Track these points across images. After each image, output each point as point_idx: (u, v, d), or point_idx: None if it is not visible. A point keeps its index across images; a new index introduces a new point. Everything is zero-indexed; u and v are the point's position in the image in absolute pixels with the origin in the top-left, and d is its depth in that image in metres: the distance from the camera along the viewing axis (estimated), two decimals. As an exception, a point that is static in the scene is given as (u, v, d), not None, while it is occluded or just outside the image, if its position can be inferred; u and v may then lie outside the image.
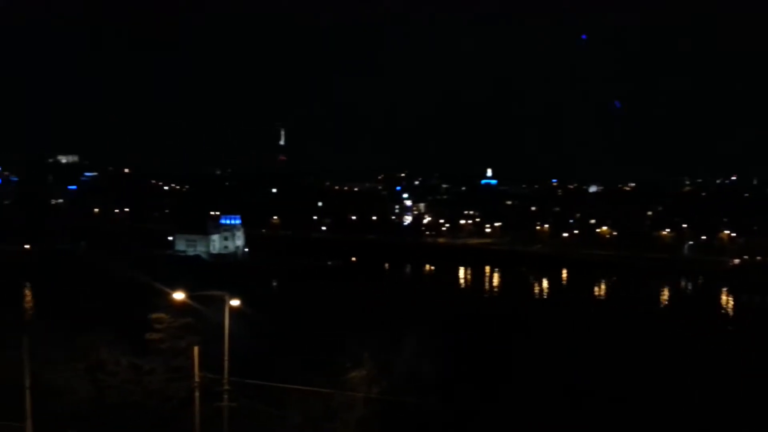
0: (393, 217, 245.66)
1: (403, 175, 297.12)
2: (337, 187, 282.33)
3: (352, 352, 37.25)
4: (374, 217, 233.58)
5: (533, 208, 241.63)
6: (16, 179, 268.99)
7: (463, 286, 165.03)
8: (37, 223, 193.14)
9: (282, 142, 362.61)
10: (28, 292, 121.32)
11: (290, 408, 34.83)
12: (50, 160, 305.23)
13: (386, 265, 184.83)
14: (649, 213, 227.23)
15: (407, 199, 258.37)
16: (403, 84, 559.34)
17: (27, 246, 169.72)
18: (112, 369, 37.54)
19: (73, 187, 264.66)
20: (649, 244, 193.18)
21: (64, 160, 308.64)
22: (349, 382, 36.03)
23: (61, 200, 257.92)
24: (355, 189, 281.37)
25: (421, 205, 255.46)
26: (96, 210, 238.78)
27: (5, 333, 36.26)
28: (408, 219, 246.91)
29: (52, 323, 42.81)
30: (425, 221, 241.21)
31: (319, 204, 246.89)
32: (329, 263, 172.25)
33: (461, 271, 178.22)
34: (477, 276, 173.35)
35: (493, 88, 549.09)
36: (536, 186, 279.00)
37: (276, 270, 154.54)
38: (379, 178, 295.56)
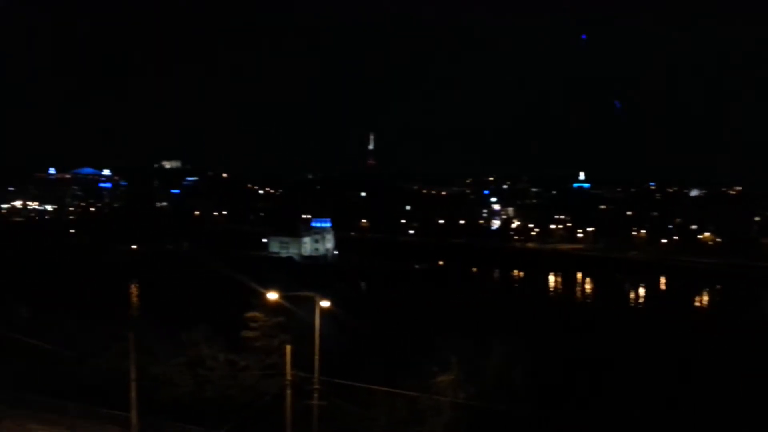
0: (481, 221, 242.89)
1: (491, 179, 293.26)
2: (425, 191, 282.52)
3: (439, 356, 37.26)
4: (462, 221, 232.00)
5: (629, 213, 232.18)
6: (125, 184, 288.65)
7: (553, 292, 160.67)
8: (144, 224, 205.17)
9: (371, 147, 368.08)
10: (135, 290, 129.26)
11: (376, 409, 35.26)
12: (155, 166, 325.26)
13: (474, 269, 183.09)
14: (757, 218, 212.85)
15: (496, 203, 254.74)
16: (493, 87, 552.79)
17: (134, 246, 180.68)
18: (211, 364, 39.46)
19: (176, 191, 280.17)
20: (756, 252, 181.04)
21: (168, 165, 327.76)
22: (436, 386, 36.05)
23: (165, 203, 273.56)
24: (443, 193, 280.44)
25: (510, 209, 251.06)
26: (197, 212, 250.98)
27: (116, 329, 38.95)
28: (496, 223, 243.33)
29: (157, 320, 45.51)
30: (514, 225, 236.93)
31: (407, 207, 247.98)
32: (416, 266, 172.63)
33: (551, 277, 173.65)
34: (568, 282, 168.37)
35: (587, 90, 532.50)
36: (632, 190, 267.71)
37: (364, 272, 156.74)
38: (468, 182, 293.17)
